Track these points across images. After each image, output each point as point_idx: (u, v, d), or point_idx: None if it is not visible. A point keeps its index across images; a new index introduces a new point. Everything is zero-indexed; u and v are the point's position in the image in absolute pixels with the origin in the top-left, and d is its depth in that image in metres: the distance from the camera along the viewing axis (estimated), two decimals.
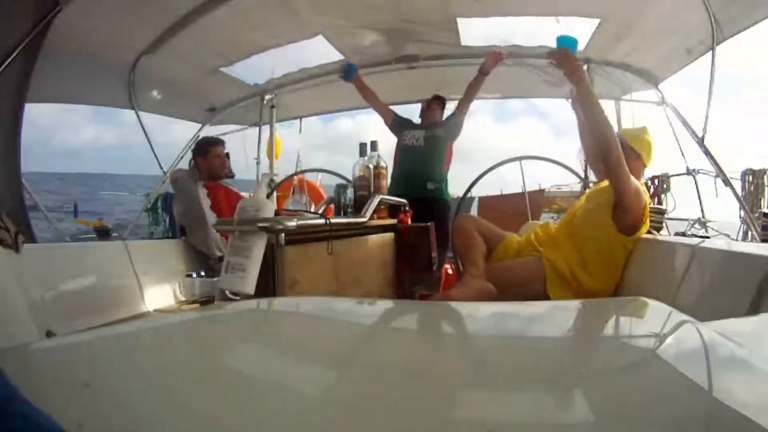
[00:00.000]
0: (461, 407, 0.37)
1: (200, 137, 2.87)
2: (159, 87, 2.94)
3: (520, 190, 2.88)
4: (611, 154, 1.51)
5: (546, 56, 1.68)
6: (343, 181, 2.03)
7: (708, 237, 2.37)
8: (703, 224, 2.58)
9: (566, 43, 1.58)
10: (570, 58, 1.55)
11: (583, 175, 2.59)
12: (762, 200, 2.58)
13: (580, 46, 2.54)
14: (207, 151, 2.43)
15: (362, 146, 1.97)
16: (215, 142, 2.50)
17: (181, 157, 3.23)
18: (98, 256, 1.99)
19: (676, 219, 2.72)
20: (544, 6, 2.31)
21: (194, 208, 2.30)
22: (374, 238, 1.91)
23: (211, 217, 2.24)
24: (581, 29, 2.45)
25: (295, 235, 1.28)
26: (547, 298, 1.67)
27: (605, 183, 1.70)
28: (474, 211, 2.94)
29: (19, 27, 1.76)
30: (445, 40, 2.60)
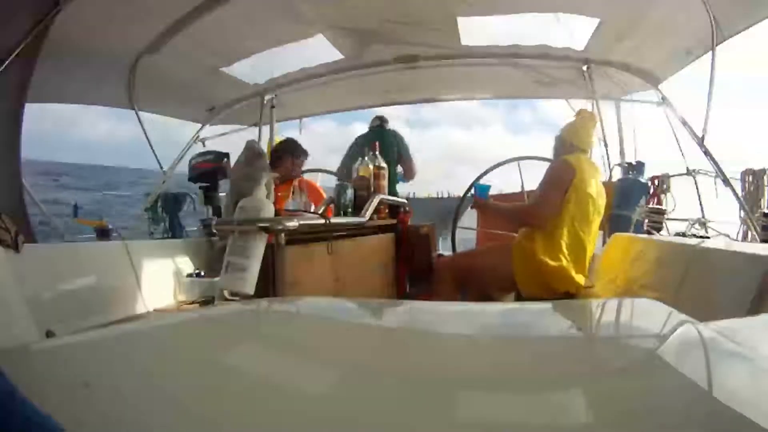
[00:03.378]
0: (461, 407, 0.37)
1: (289, 138, 2.77)
2: (159, 87, 2.93)
3: (519, 190, 2.88)
4: (528, 220, 1.82)
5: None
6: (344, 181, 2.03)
7: (708, 237, 2.36)
8: (703, 224, 2.57)
9: (479, 192, 2.06)
10: (480, 206, 2.05)
11: None
12: (762, 200, 2.57)
13: (580, 46, 2.56)
14: (300, 157, 2.51)
15: None
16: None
17: (182, 158, 3.23)
18: (98, 256, 1.98)
19: (676, 219, 2.72)
20: (545, 5, 2.31)
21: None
22: (374, 238, 1.91)
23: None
24: (581, 29, 2.45)
25: (295, 235, 1.28)
26: (513, 283, 1.74)
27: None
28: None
29: (19, 27, 1.76)
30: (445, 39, 2.60)
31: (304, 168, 2.71)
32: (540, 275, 1.67)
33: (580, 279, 1.74)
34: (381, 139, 2.66)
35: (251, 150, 2.39)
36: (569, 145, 1.88)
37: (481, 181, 2.53)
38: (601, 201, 1.83)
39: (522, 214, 1.89)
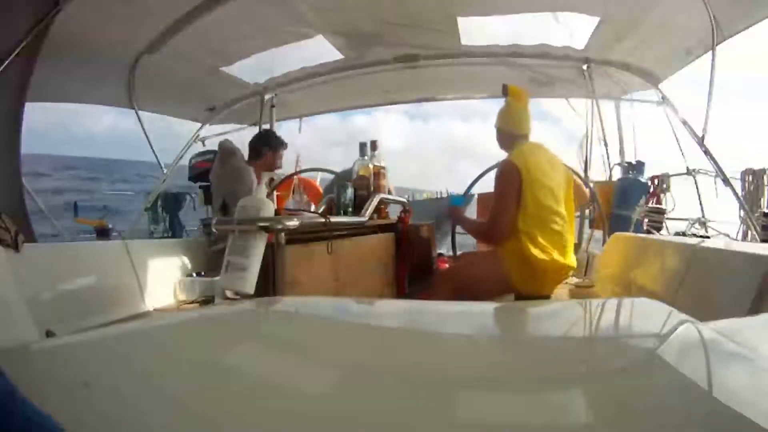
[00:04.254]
0: (461, 407, 0.37)
1: (266, 130, 2.77)
2: (159, 86, 2.94)
3: None
4: (486, 240, 1.84)
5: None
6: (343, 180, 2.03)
7: (708, 237, 2.36)
8: (703, 224, 2.58)
9: (452, 201, 2.08)
10: (453, 214, 1.98)
11: (583, 175, 2.59)
12: (762, 200, 2.58)
13: (581, 46, 2.56)
14: (280, 148, 2.47)
15: (362, 146, 1.97)
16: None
17: (181, 157, 3.23)
18: (98, 256, 1.98)
19: (676, 219, 2.72)
20: (545, 5, 2.31)
21: (246, 187, 2.21)
22: (374, 238, 1.91)
23: None
24: (581, 28, 2.45)
25: (295, 234, 1.28)
26: (511, 285, 1.71)
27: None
28: (473, 207, 2.96)
29: (19, 27, 1.76)
30: (445, 39, 2.60)
31: (304, 167, 2.71)
32: (535, 271, 1.67)
33: (571, 262, 1.74)
34: None
35: (223, 149, 2.40)
36: (510, 137, 1.81)
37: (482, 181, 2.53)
38: (560, 188, 1.76)
39: (480, 234, 1.92)
